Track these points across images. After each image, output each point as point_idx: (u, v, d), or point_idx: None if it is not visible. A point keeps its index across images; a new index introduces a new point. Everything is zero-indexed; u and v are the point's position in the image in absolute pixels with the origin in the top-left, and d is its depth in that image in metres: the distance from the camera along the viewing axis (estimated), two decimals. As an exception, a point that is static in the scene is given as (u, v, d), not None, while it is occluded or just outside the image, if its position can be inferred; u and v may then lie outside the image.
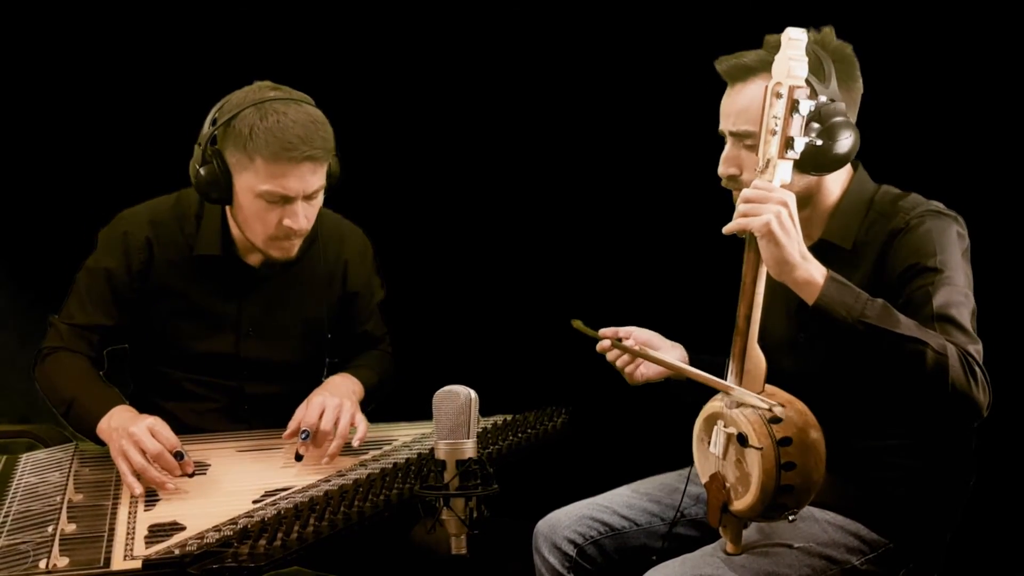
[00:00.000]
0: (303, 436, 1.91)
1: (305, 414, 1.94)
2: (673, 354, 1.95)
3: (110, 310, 2.04)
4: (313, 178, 1.91)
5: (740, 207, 1.60)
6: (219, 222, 2.04)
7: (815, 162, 1.68)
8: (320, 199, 1.97)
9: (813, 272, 1.60)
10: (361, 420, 1.98)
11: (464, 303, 2.82)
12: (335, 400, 1.96)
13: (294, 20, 2.76)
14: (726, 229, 1.63)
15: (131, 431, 1.83)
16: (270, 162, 1.87)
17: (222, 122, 1.90)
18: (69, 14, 2.74)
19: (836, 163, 1.70)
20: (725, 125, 1.79)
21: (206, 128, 1.93)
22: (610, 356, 1.91)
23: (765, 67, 1.73)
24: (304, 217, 1.93)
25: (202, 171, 1.91)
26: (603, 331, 1.89)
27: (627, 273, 2.74)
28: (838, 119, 1.66)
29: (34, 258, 2.81)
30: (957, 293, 1.67)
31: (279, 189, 1.89)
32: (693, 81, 1.96)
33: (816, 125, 1.63)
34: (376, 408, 2.13)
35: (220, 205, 2.00)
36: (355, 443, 1.95)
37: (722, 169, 1.80)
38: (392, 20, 2.78)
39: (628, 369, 1.92)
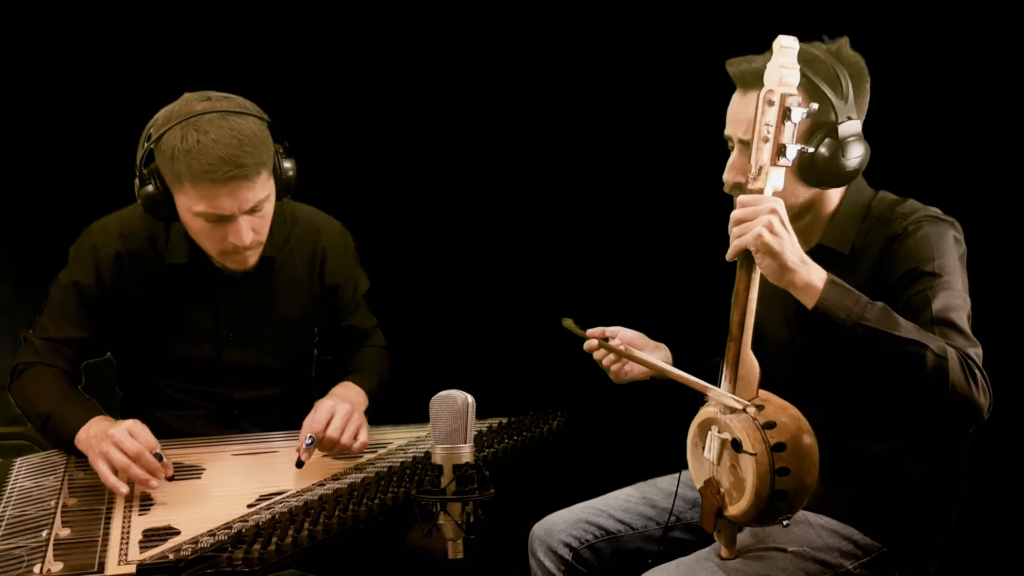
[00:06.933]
0: (308, 443, 1.88)
1: (312, 420, 1.92)
2: (657, 354, 1.97)
3: (84, 323, 2.03)
4: (247, 194, 1.85)
5: (733, 231, 1.61)
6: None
7: (825, 177, 1.71)
8: (268, 208, 1.92)
9: (813, 276, 1.61)
10: (364, 432, 1.96)
11: (459, 306, 2.82)
12: (345, 407, 1.94)
13: (277, 15, 2.74)
14: (728, 256, 1.63)
15: (110, 433, 1.82)
16: (196, 185, 1.83)
17: (152, 141, 1.86)
18: (64, 15, 2.73)
19: (847, 178, 1.73)
20: (734, 131, 1.78)
21: (140, 147, 1.89)
22: (596, 355, 1.93)
23: None
24: (249, 231, 1.89)
25: (144, 191, 1.89)
26: (590, 331, 1.92)
27: (622, 275, 2.74)
28: (853, 136, 1.69)
29: (34, 257, 2.80)
30: (955, 297, 1.68)
31: (212, 210, 1.85)
32: (684, 81, 1.96)
33: (830, 141, 1.67)
34: (371, 411, 2.12)
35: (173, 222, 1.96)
36: (354, 449, 1.94)
37: (728, 176, 1.79)
38: (386, 14, 2.77)
39: (614, 368, 1.94)
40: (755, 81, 1.73)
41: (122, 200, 2.11)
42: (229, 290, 2.06)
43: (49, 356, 2.02)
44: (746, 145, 1.75)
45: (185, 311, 2.05)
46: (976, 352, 1.64)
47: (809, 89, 1.68)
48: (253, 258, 1.97)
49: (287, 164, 1.93)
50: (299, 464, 1.89)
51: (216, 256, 1.95)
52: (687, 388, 1.66)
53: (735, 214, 1.62)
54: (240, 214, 1.87)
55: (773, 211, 1.58)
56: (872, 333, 1.59)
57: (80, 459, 1.93)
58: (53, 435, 1.96)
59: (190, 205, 1.86)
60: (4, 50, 2.72)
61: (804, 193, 1.74)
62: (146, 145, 1.88)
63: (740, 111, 1.77)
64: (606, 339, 1.92)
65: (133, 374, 2.12)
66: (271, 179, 1.90)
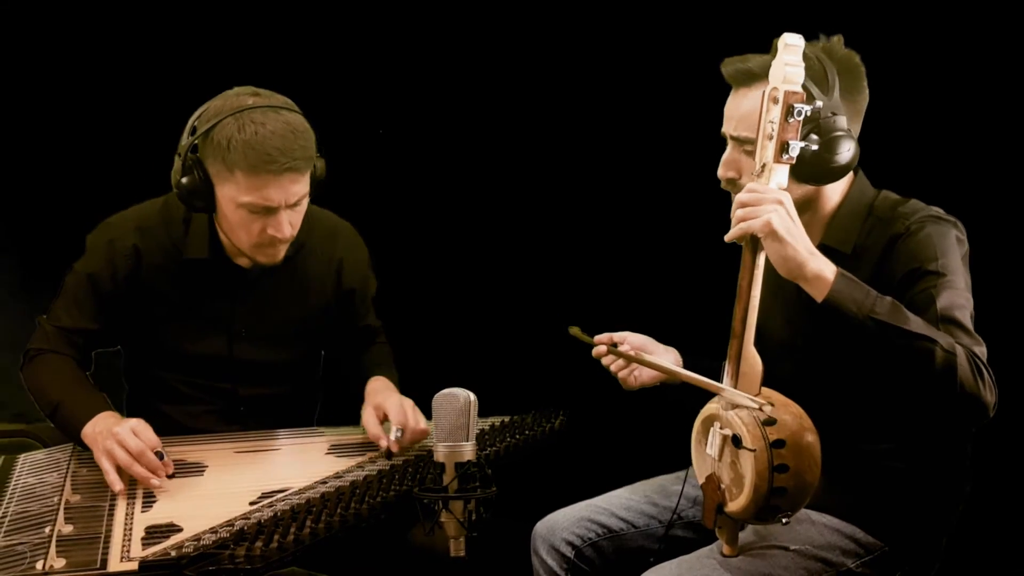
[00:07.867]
0: (397, 434, 1.93)
1: (397, 413, 1.95)
2: (667, 358, 1.95)
3: (95, 315, 2.04)
4: (295, 187, 1.89)
5: (737, 212, 1.61)
6: (207, 226, 2.02)
7: (813, 172, 1.69)
8: (305, 204, 1.96)
9: (823, 268, 1.60)
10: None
11: (462, 305, 2.82)
12: (409, 400, 1.98)
13: (285, 16, 2.75)
14: (727, 237, 1.63)
15: (115, 431, 1.84)
16: (250, 175, 1.85)
17: (201, 132, 1.88)
18: (64, 15, 2.74)
19: (834, 174, 1.72)
20: (727, 128, 1.79)
21: (185, 138, 1.91)
22: (605, 361, 1.91)
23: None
24: (288, 224, 1.92)
25: (184, 181, 1.90)
26: (598, 337, 1.89)
27: (624, 276, 2.74)
28: (838, 132, 1.67)
29: (34, 255, 2.81)
30: (959, 296, 1.68)
31: (261, 201, 1.88)
32: (693, 83, 1.95)
33: (815, 136, 1.65)
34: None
35: (205, 213, 1.99)
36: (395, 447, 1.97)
37: (721, 172, 1.80)
38: (392, 16, 2.78)
39: (623, 374, 1.92)
40: (746, 79, 1.75)
41: (128, 197, 2.12)
42: (246, 286, 2.07)
43: (60, 344, 2.04)
44: (738, 141, 1.77)
45: (200, 306, 2.06)
46: (981, 350, 1.64)
47: None
48: (283, 252, 1.99)
49: (318, 164, 1.96)
50: (389, 455, 1.94)
51: (248, 249, 1.97)
52: (699, 392, 1.66)
53: (740, 196, 1.61)
54: (284, 207, 1.89)
55: (781, 202, 1.58)
56: (882, 327, 1.58)
57: (83, 456, 1.94)
58: (61, 424, 1.98)
59: (236, 195, 1.88)
60: (9, 47, 2.73)
61: (797, 190, 1.74)
62: (191, 137, 1.89)
63: (733, 108, 1.78)
64: (614, 345, 1.89)
65: (141, 367, 2.12)
66: (309, 176, 1.94)
